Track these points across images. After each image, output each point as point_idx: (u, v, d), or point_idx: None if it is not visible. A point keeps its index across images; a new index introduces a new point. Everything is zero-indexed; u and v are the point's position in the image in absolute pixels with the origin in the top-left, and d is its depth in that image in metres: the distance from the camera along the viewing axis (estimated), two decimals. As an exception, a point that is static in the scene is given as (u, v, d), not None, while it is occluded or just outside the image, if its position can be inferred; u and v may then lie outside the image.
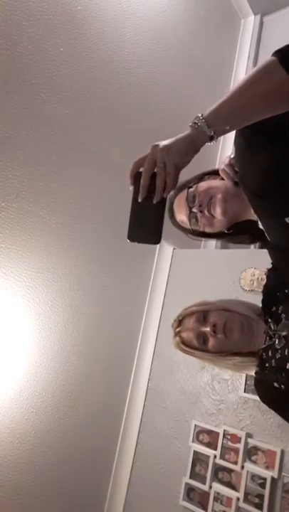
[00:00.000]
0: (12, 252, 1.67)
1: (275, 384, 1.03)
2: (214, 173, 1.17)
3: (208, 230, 1.13)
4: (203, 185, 1.12)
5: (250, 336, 1.07)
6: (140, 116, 2.29)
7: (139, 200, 0.77)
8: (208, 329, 1.05)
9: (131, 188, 0.79)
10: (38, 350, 1.80)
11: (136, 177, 0.77)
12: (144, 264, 2.45)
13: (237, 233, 1.17)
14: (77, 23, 1.92)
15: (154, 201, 0.76)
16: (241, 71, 3.14)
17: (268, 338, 1.08)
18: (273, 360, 1.04)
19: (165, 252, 2.53)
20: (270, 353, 1.06)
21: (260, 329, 1.09)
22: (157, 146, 0.76)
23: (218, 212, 1.08)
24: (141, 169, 0.77)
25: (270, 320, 1.09)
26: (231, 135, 0.94)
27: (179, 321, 1.14)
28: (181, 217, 1.15)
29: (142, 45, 2.33)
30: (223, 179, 1.14)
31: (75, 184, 1.92)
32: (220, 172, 1.12)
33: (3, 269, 1.64)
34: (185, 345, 1.11)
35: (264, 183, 0.97)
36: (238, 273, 2.16)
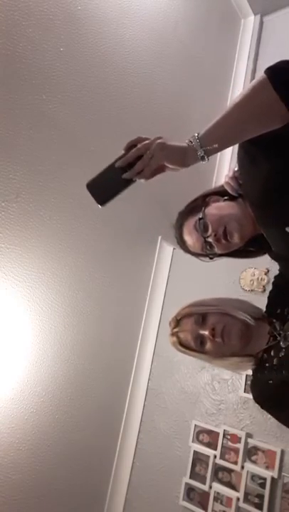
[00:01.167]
0: (12, 252, 1.67)
1: (270, 381, 1.03)
2: (216, 193, 1.16)
3: (222, 252, 1.14)
4: (213, 212, 1.10)
5: (248, 341, 1.07)
6: (140, 116, 2.29)
7: (116, 166, 0.85)
8: (206, 333, 1.05)
9: (122, 152, 0.86)
10: (38, 350, 1.80)
11: (129, 148, 0.85)
12: (144, 264, 2.45)
13: (249, 250, 1.18)
14: (77, 23, 1.92)
15: (124, 176, 0.84)
16: (241, 71, 3.14)
17: (271, 338, 1.08)
18: (275, 359, 1.04)
19: (165, 252, 2.53)
20: (272, 353, 1.06)
21: (261, 332, 1.09)
22: (160, 139, 0.83)
23: (236, 238, 1.08)
24: (138, 145, 0.84)
25: (275, 320, 1.09)
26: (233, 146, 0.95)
27: (177, 321, 1.13)
28: (194, 245, 1.14)
29: (142, 45, 2.32)
30: (226, 199, 1.13)
31: (75, 184, 1.92)
32: (224, 185, 1.12)
33: (3, 269, 1.64)
34: (182, 345, 1.11)
35: (264, 193, 0.98)
36: (238, 273, 2.15)
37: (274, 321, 1.09)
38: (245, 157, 0.98)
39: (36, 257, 1.76)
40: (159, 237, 2.49)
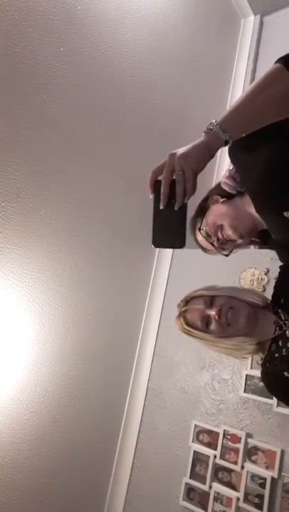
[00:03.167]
0: (12, 252, 1.67)
1: (286, 373, 1.04)
2: (215, 193, 1.24)
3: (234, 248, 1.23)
4: (210, 221, 1.20)
5: (253, 325, 1.10)
6: (140, 116, 2.29)
7: (161, 208, 0.80)
8: (213, 313, 1.09)
9: (151, 196, 0.82)
10: (38, 350, 1.80)
11: (155, 185, 0.81)
12: (144, 264, 2.45)
13: (262, 240, 1.24)
14: (77, 23, 1.92)
15: (176, 207, 0.80)
16: (241, 71, 3.14)
17: (277, 328, 1.09)
18: (284, 349, 1.06)
19: (165, 252, 2.53)
20: (280, 343, 1.08)
21: (267, 319, 1.12)
22: (175, 154, 0.80)
23: (235, 238, 1.17)
24: (159, 177, 0.81)
25: (280, 310, 1.10)
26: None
27: (186, 302, 1.17)
28: (208, 247, 1.25)
29: (142, 45, 2.32)
30: (224, 201, 1.20)
31: (75, 184, 1.92)
32: (222, 185, 1.18)
33: (3, 269, 1.64)
34: (188, 325, 1.14)
35: (262, 181, 1.01)
36: (238, 273, 2.16)
37: (279, 311, 1.10)
38: (238, 151, 1.01)
39: (36, 257, 1.76)
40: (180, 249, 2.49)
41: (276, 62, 0.82)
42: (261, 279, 2.06)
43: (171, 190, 0.79)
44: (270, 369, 1.09)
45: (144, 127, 2.28)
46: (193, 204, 1.20)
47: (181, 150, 0.81)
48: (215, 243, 1.20)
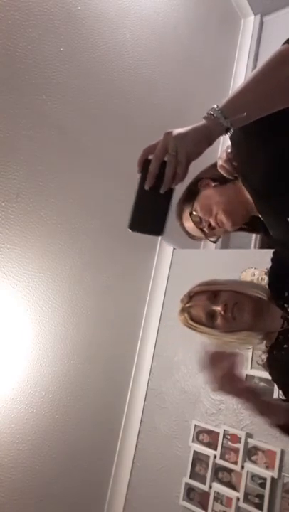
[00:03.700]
0: (12, 252, 1.67)
1: None
2: (207, 176, 1.16)
3: (222, 234, 1.18)
4: (202, 204, 1.12)
5: (259, 318, 1.10)
6: (140, 116, 2.29)
7: (146, 188, 0.73)
8: (219, 308, 1.08)
9: (138, 176, 0.75)
10: (38, 350, 1.80)
11: (144, 164, 0.73)
12: (144, 264, 2.45)
13: (251, 227, 1.19)
14: (77, 23, 1.92)
15: (162, 191, 0.72)
16: (241, 71, 3.14)
17: (285, 322, 1.10)
18: None
19: (165, 252, 2.53)
20: None
21: (272, 312, 1.12)
22: (170, 133, 0.72)
23: (227, 226, 1.10)
24: (150, 156, 0.73)
25: (286, 305, 1.10)
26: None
27: (190, 297, 1.16)
28: (195, 232, 1.19)
29: (142, 45, 2.33)
30: (216, 185, 1.13)
31: (75, 184, 1.92)
32: (219, 168, 1.10)
33: (3, 269, 1.64)
34: (193, 320, 1.13)
35: (267, 182, 0.96)
36: (238, 273, 2.15)
37: (286, 305, 1.10)
38: (246, 137, 0.93)
39: (36, 257, 1.76)
40: (159, 237, 2.49)
41: (285, 43, 0.75)
42: (261, 279, 2.06)
43: (160, 172, 0.71)
44: (277, 356, 1.10)
45: (144, 127, 2.28)
46: (180, 189, 1.16)
47: (178, 130, 0.73)
48: (206, 229, 1.13)
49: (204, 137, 0.74)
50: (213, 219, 1.10)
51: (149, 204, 0.74)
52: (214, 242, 1.21)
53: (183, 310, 1.17)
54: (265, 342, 1.16)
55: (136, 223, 0.74)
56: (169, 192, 0.73)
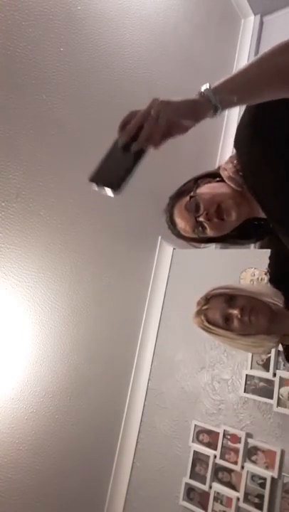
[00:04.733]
0: (12, 252, 1.67)
1: None
2: (208, 176, 1.11)
3: (216, 234, 1.09)
4: (205, 192, 1.05)
5: (275, 324, 1.13)
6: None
7: (119, 146, 0.72)
8: (235, 311, 1.11)
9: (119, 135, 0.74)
10: (38, 350, 1.80)
11: (125, 125, 0.73)
12: (144, 264, 2.45)
13: (242, 235, 1.14)
14: (77, 23, 1.92)
15: (132, 149, 0.71)
16: (241, 71, 3.14)
17: None
18: None
19: (165, 252, 2.53)
20: None
21: (285, 315, 1.14)
22: (158, 99, 0.71)
23: (233, 216, 1.02)
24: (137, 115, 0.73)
25: None
26: (232, 135, 0.90)
27: (207, 300, 1.18)
28: (185, 227, 1.09)
29: (142, 45, 2.33)
30: (218, 181, 1.07)
31: (75, 184, 1.92)
32: (227, 180, 1.04)
33: (3, 269, 1.64)
34: (209, 323, 1.16)
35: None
36: (238, 273, 2.15)
37: None
38: (263, 153, 0.86)
39: (36, 257, 1.76)
40: (159, 237, 2.49)
41: None
42: (261, 279, 2.06)
43: (137, 134, 0.70)
44: None
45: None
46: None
47: (167, 98, 0.72)
48: (202, 218, 1.03)
49: (190, 110, 0.72)
50: (215, 207, 1.02)
51: (117, 160, 0.73)
52: (201, 241, 1.14)
53: (199, 312, 1.18)
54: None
55: (97, 175, 0.73)
56: (139, 153, 0.71)
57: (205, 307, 1.17)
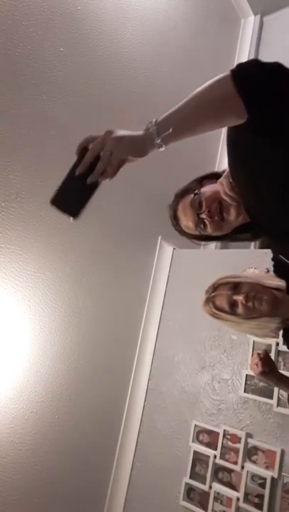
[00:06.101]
0: (12, 252, 1.67)
1: None
2: (212, 177, 1.16)
3: (216, 233, 1.15)
4: (208, 190, 1.12)
5: (278, 307, 1.20)
6: (140, 117, 2.29)
7: (76, 174, 0.80)
8: (240, 297, 1.19)
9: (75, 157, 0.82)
10: (38, 350, 1.80)
11: (82, 151, 0.80)
12: (144, 264, 2.45)
13: (240, 232, 1.19)
14: (77, 23, 1.92)
15: (88, 181, 0.79)
16: (241, 71, 3.14)
17: None
18: None
19: (165, 252, 2.53)
20: None
21: (287, 300, 1.21)
22: (111, 133, 0.78)
23: (232, 214, 1.09)
24: (90, 146, 0.80)
25: None
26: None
27: (214, 288, 1.27)
28: (188, 223, 1.16)
29: (142, 45, 2.33)
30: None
31: (75, 184, 1.92)
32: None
33: (3, 269, 1.64)
34: (217, 309, 1.24)
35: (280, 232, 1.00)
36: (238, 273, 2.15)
37: None
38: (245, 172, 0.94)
39: (36, 257, 1.76)
40: (159, 237, 2.49)
41: (230, 70, 0.80)
42: (261, 279, 2.06)
43: (93, 163, 0.78)
44: None
45: (144, 127, 2.27)
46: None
47: (118, 132, 0.79)
48: (204, 215, 1.10)
49: (137, 148, 0.79)
50: (217, 205, 1.09)
51: (75, 188, 0.81)
52: (201, 239, 1.20)
53: (208, 300, 1.26)
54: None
55: (57, 200, 0.82)
56: (95, 184, 0.80)
57: (213, 294, 1.26)
